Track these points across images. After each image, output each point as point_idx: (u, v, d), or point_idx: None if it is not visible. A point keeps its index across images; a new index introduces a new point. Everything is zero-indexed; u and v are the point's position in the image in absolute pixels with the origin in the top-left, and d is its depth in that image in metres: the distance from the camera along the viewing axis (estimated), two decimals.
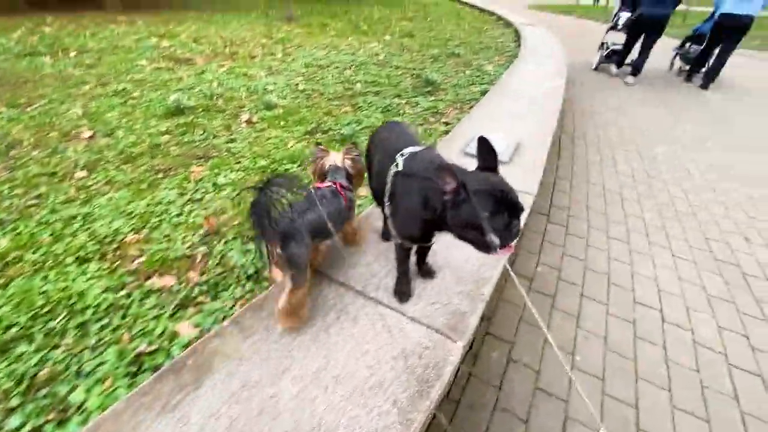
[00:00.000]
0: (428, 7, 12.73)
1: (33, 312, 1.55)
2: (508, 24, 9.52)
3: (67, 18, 8.20)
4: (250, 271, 1.77)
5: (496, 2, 14.03)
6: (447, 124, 3.65)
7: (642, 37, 6.11)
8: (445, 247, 1.65)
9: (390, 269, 1.54)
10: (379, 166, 1.37)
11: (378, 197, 1.40)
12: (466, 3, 14.33)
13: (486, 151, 1.09)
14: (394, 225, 1.30)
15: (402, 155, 1.28)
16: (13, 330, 1.48)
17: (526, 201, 2.08)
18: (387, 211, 1.31)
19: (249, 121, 3.47)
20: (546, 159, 2.55)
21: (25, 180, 2.43)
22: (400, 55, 6.41)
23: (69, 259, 1.80)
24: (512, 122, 3.17)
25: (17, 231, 1.98)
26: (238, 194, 2.33)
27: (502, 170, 1.11)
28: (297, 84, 4.61)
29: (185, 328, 1.49)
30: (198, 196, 2.32)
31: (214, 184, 2.44)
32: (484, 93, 4.28)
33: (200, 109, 3.70)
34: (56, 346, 1.43)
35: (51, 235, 1.96)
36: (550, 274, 2.16)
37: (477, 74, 5.36)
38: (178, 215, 2.12)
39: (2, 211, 2.13)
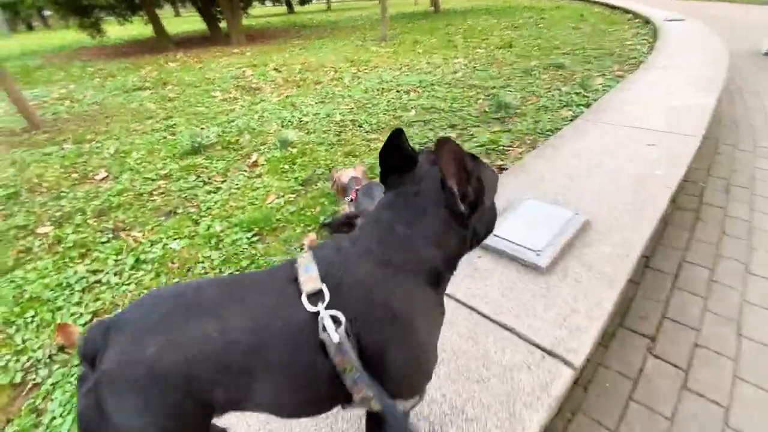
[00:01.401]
0: (545, 12, 11.06)
1: None
2: (646, 22, 7.45)
3: (195, 54, 9.35)
4: None
5: None
6: (501, 169, 2.57)
7: None
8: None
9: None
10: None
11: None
12: (596, 2, 12.09)
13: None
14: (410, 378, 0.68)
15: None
16: None
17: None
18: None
19: (254, 164, 2.99)
20: (628, 273, 1.35)
21: None
22: (485, 71, 5.36)
23: None
24: (591, 179, 1.95)
25: None
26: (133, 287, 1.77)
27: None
28: (338, 114, 4.02)
29: None
30: (106, 278, 1.84)
31: (137, 260, 1.94)
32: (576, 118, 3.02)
33: (219, 147, 3.39)
34: None
35: None
36: None
37: (577, 91, 4.00)
38: (55, 310, 1.65)
39: None
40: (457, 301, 1.29)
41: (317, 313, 0.57)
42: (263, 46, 10.03)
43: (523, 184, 1.97)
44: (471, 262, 1.45)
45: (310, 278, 0.60)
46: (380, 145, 2.94)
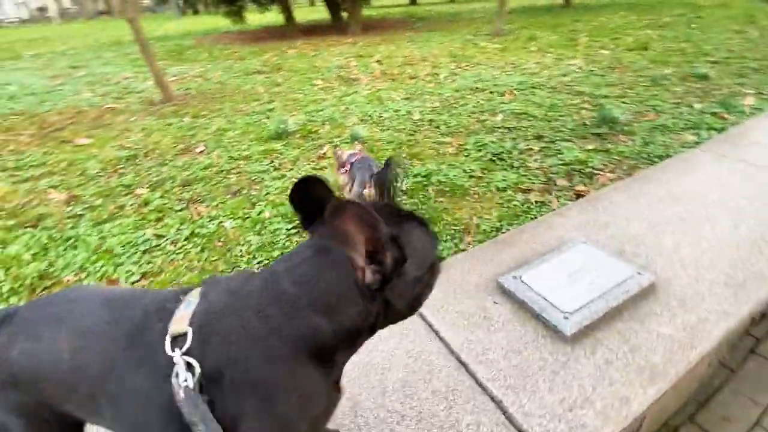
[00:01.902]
0: (703, 10, 9.17)
1: None
2: None
3: (313, 42, 10.04)
4: None
5: None
6: (578, 196, 2.20)
7: None
8: None
9: None
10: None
11: None
12: None
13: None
14: None
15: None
16: None
17: None
18: None
19: (322, 156, 3.07)
20: (686, 368, 1.02)
21: (108, 189, 2.79)
22: (602, 76, 4.69)
23: None
24: (679, 233, 1.53)
25: None
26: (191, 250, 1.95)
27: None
28: (418, 113, 3.90)
29: None
30: (164, 244, 2.07)
31: (192, 232, 2.15)
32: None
33: (298, 136, 3.57)
34: None
35: None
36: None
37: (714, 110, 3.24)
38: (118, 264, 1.92)
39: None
40: (449, 348, 1.13)
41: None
42: (375, 37, 10.28)
43: (587, 221, 1.64)
44: (484, 306, 1.26)
45: (181, 317, 0.56)
46: (450, 150, 2.75)
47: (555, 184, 2.44)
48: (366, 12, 15.32)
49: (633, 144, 2.86)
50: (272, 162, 3.05)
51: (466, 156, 2.87)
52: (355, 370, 1.07)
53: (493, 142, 3.04)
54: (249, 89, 5.52)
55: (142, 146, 3.56)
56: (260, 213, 2.31)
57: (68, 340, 0.57)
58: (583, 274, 1.28)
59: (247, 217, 2.29)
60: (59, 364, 0.56)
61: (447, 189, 2.40)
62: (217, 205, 2.46)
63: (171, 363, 0.53)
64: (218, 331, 0.55)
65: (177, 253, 2.00)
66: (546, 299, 1.20)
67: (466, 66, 5.93)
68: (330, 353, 0.58)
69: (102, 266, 1.91)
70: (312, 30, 13.11)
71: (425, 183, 2.48)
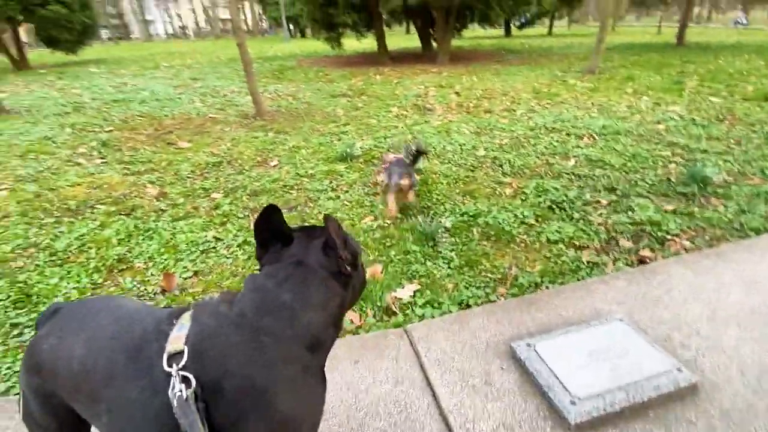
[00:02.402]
0: None
1: None
2: None
3: (399, 70, 10.49)
4: None
5: None
6: (640, 261, 1.97)
7: None
8: None
9: None
10: None
11: None
12: None
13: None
14: None
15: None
16: None
17: None
18: None
19: (375, 183, 3.17)
20: None
21: (191, 190, 3.19)
22: (705, 127, 4.20)
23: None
24: (747, 328, 1.28)
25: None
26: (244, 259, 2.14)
27: None
28: (483, 149, 3.84)
29: None
30: (220, 247, 2.30)
31: (245, 241, 2.35)
32: None
33: (361, 160, 3.74)
34: None
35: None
36: None
37: None
38: (178, 260, 2.18)
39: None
40: (439, 407, 1.08)
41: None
42: (461, 68, 10.39)
43: (634, 294, 1.47)
44: (489, 370, 1.19)
45: (177, 338, 0.65)
46: (507, 191, 2.66)
47: (616, 245, 2.21)
48: (457, 42, 15.59)
49: (725, 210, 2.49)
50: (331, 183, 3.23)
51: (523, 200, 2.75)
52: (341, 405, 1.09)
53: (556, 188, 2.88)
54: (330, 111, 5.93)
55: (227, 155, 4.02)
56: None
57: (81, 346, 0.69)
58: (608, 357, 1.15)
59: None
60: (71, 365, 0.68)
61: (493, 233, 2.32)
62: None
63: (167, 377, 0.61)
64: (213, 348, 0.64)
65: (227, 258, 2.21)
66: (556, 376, 1.10)
67: (548, 104, 5.70)
68: (323, 340, 0.73)
69: (166, 259, 2.18)
70: (402, 58, 13.70)
71: (471, 223, 2.43)
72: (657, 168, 3.22)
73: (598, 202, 2.69)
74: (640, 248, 2.16)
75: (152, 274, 2.07)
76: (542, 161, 3.51)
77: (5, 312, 1.83)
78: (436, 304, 1.76)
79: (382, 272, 2.00)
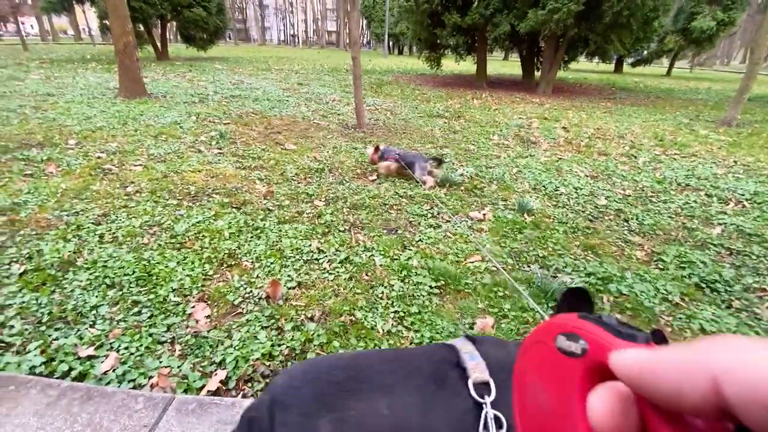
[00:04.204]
0: None
1: None
2: None
3: (498, 96, 10.19)
4: None
5: None
6: None
7: None
8: None
9: None
10: None
11: None
12: None
13: None
14: None
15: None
16: None
17: None
18: None
19: (482, 218, 2.95)
20: None
21: (295, 194, 3.26)
22: None
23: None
24: None
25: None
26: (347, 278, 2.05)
27: None
28: (604, 197, 3.42)
29: None
30: (323, 259, 2.25)
31: (347, 258, 2.27)
32: None
33: (462, 188, 3.54)
34: None
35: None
36: None
37: None
38: (283, 267, 2.16)
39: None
40: None
41: (481, 406, 0.53)
42: (565, 101, 9.78)
43: None
44: None
45: (476, 366, 0.56)
46: (639, 254, 2.28)
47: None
48: (562, 74, 14.82)
49: None
50: (432, 208, 3.08)
51: (662, 269, 2.33)
52: None
53: (703, 261, 2.41)
54: (428, 131, 5.85)
55: (329, 162, 4.09)
56: (409, 259, 2.31)
57: (378, 398, 0.54)
58: None
59: (396, 259, 2.32)
60: (380, 420, 0.52)
61: (629, 306, 1.96)
62: (373, 237, 2.58)
63: (476, 411, 0.52)
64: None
65: (330, 273, 2.14)
66: None
67: (675, 155, 5.02)
68: None
69: (272, 263, 2.18)
70: (499, 84, 13.36)
71: (599, 288, 2.09)
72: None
73: (765, 290, 2.18)
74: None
75: (258, 276, 2.06)
76: (678, 223, 3.01)
77: (129, 287, 1.93)
78: None
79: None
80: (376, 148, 3.76)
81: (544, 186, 3.65)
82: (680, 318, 1.91)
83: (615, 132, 6.25)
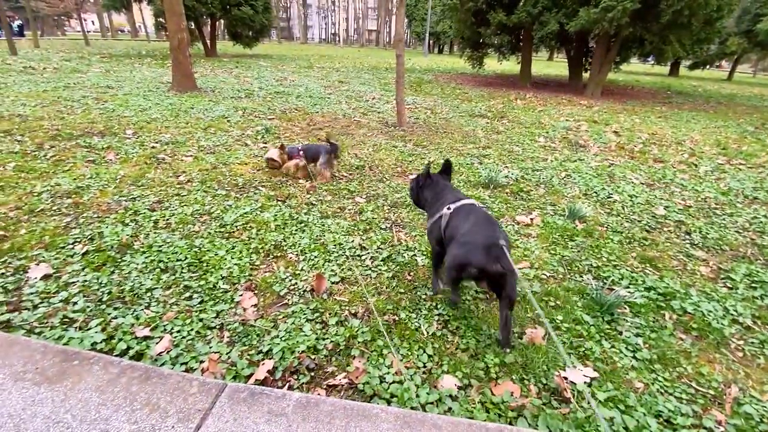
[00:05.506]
0: None
1: None
2: None
3: (543, 97, 9.82)
4: None
5: None
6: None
7: None
8: None
9: None
10: None
11: None
12: None
13: None
14: None
15: None
16: None
17: None
18: None
19: (529, 223, 2.83)
20: None
21: (337, 189, 3.27)
22: None
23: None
24: None
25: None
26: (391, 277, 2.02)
27: None
28: (663, 207, 3.19)
29: None
30: (365, 257, 2.23)
31: (389, 256, 2.24)
32: None
33: (507, 191, 3.42)
34: None
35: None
36: None
37: None
38: (327, 261, 2.16)
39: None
40: None
41: None
42: (615, 104, 9.29)
43: None
44: None
45: None
46: (703, 270, 2.13)
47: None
48: (610, 75, 14.07)
49: None
50: None
51: (730, 288, 2.14)
52: None
53: (755, 270, 2.18)
54: (469, 131, 5.72)
55: (369, 160, 4.08)
56: None
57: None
58: None
59: None
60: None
61: (695, 326, 1.81)
62: (415, 237, 2.54)
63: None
64: None
65: (372, 270, 2.13)
66: None
67: (742, 164, 4.63)
68: None
69: (316, 256, 2.19)
70: (544, 85, 12.89)
71: (661, 304, 1.94)
72: None
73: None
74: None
75: (302, 269, 2.08)
76: (746, 239, 2.76)
77: (181, 272, 2.00)
78: (622, 406, 1.38)
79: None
80: (282, 147, 3.42)
81: (595, 192, 3.46)
82: (752, 342, 1.74)
83: (672, 138, 5.85)
